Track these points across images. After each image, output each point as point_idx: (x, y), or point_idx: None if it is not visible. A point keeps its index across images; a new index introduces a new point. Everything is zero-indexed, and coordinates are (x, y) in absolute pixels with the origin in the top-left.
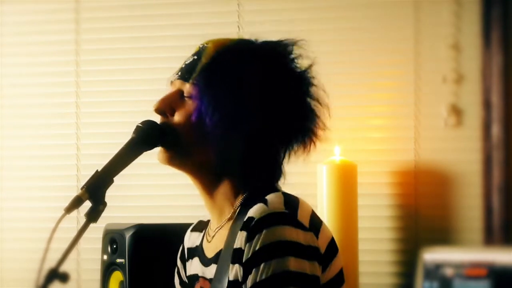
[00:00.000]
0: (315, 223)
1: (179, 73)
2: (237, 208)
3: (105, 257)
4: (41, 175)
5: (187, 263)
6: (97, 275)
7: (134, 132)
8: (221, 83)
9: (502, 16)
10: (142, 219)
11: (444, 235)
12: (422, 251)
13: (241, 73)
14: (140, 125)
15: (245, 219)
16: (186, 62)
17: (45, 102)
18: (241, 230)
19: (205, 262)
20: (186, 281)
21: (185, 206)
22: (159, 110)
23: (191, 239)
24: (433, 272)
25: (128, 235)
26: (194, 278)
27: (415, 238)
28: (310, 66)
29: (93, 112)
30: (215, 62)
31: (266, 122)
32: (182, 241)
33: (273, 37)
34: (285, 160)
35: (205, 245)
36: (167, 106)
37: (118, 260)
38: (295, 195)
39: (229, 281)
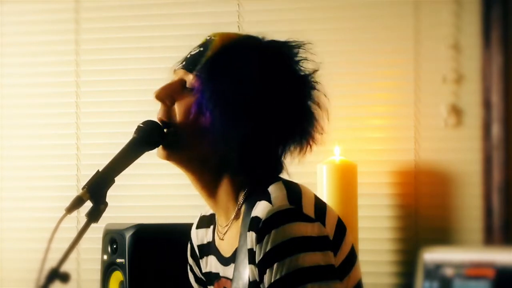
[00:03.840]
0: (320, 210)
1: (184, 63)
2: (241, 205)
3: (105, 257)
4: (41, 175)
5: (201, 260)
6: (97, 275)
7: (135, 132)
8: (223, 78)
9: (502, 16)
10: (142, 219)
11: (444, 235)
12: (422, 251)
13: (244, 70)
14: (141, 125)
15: (251, 217)
16: (192, 53)
17: (45, 102)
18: (249, 230)
19: (224, 261)
20: (203, 278)
21: (185, 206)
22: (159, 97)
23: (199, 237)
24: (433, 272)
25: (128, 235)
26: (214, 276)
27: (415, 238)
28: (314, 69)
29: (93, 112)
30: (220, 55)
31: (264, 120)
32: (189, 239)
33: (276, 37)
34: (283, 157)
35: (219, 243)
36: (167, 95)
37: (118, 260)
38: (295, 181)
39: (249, 282)
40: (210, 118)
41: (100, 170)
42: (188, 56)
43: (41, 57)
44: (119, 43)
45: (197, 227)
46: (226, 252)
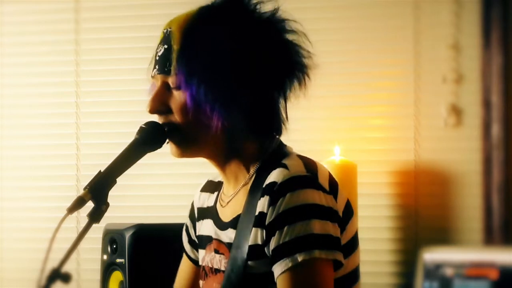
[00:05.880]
0: (334, 186)
1: (157, 67)
2: (253, 174)
3: (105, 257)
4: (41, 175)
5: (197, 222)
6: (97, 275)
7: (137, 133)
8: (201, 63)
9: (502, 16)
10: (142, 219)
11: (444, 235)
12: (422, 251)
13: (215, 45)
14: (143, 126)
15: (265, 184)
16: (159, 54)
17: (45, 102)
18: (262, 195)
19: (221, 225)
20: (196, 240)
21: (185, 206)
22: (153, 111)
23: (201, 199)
24: (433, 272)
25: (128, 235)
26: (207, 239)
27: (415, 238)
28: (275, 7)
29: (93, 112)
30: (186, 44)
31: (257, 76)
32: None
33: None
34: (286, 106)
35: (220, 209)
36: (160, 104)
37: (118, 260)
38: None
39: (250, 246)
40: (207, 105)
41: (101, 171)
42: (157, 58)
43: (41, 57)
44: (119, 43)
45: (202, 190)
46: (226, 218)
